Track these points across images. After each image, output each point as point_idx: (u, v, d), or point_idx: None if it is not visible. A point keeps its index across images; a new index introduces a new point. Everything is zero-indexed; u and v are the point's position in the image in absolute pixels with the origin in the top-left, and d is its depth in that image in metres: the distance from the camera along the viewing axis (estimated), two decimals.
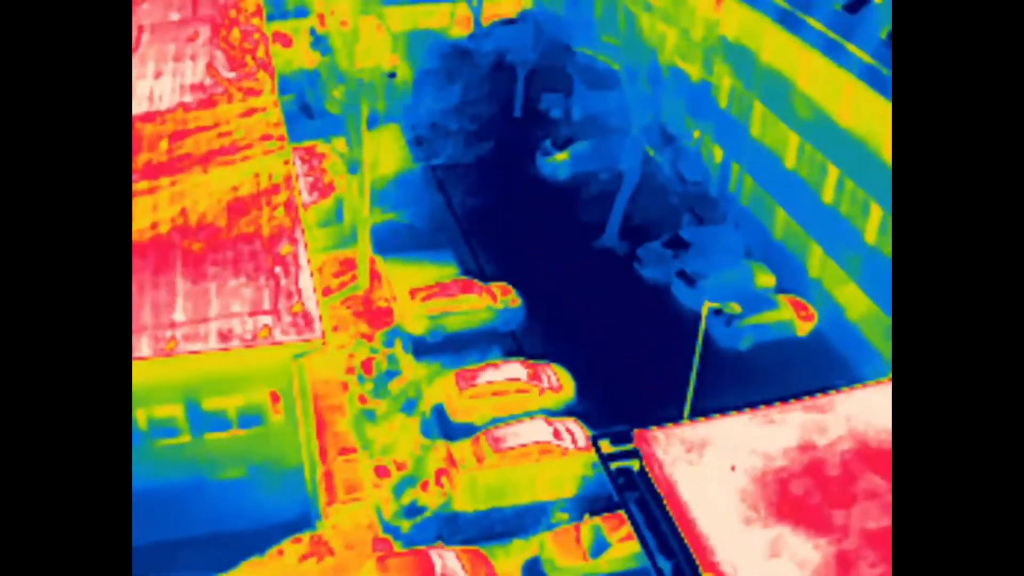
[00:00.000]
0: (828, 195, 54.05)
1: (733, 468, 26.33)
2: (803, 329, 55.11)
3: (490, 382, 48.78)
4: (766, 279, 57.75)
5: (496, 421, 48.04)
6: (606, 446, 28.33)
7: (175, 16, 62.74)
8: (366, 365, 50.89)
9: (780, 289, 57.93)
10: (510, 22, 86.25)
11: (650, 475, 26.68)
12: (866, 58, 49.27)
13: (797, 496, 25.44)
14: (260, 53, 57.84)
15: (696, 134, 66.25)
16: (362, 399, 49.32)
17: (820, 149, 54.36)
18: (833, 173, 53.48)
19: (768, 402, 28.85)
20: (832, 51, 51.65)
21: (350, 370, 51.07)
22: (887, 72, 47.34)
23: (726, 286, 55.79)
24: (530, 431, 45.92)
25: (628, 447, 27.95)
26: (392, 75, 59.60)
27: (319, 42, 57.28)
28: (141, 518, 36.70)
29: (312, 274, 41.46)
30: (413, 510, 44.28)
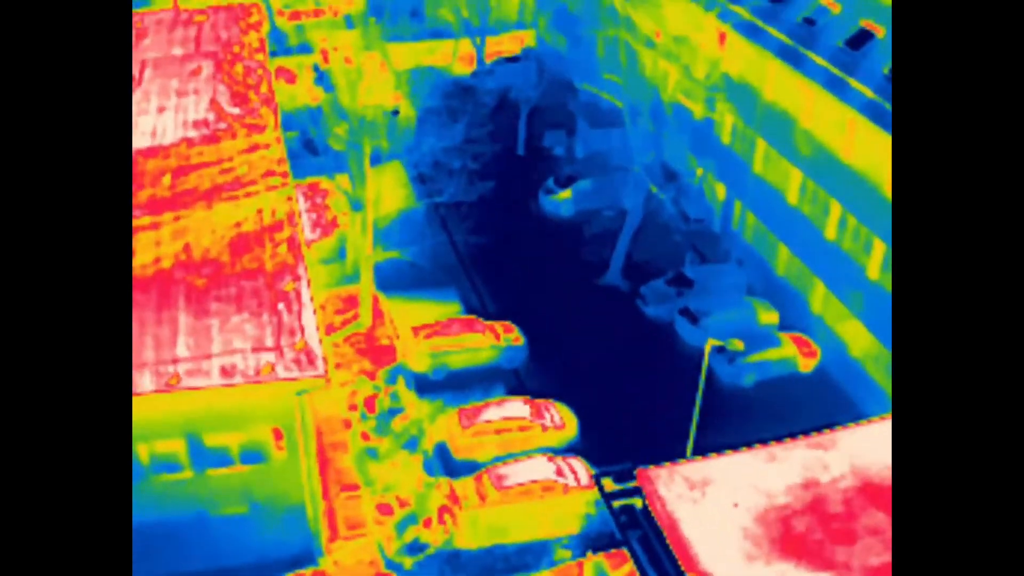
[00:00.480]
0: (831, 231, 54.07)
1: (736, 505, 26.28)
2: (806, 366, 55.05)
3: (493, 420, 48.72)
4: (769, 316, 57.69)
5: (499, 459, 47.96)
6: (609, 484, 28.33)
7: (178, 51, 62.99)
8: (369, 402, 50.83)
9: (783, 326, 57.88)
10: (513, 60, 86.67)
11: (653, 513, 26.62)
12: (869, 93, 49.37)
13: (800, 533, 25.37)
14: (263, 89, 58.01)
15: (699, 171, 66.36)
16: (365, 436, 49.22)
17: (823, 186, 54.40)
18: (836, 209, 53.50)
19: (771, 439, 28.81)
20: (835, 87, 51.75)
21: (353, 407, 50.99)
22: (890, 107, 47.42)
23: (729, 324, 55.78)
24: (533, 469, 45.83)
25: (631, 485, 27.93)
26: (395, 112, 59.70)
27: (322, 79, 57.39)
28: (143, 553, 36.61)
29: (315, 311, 41.48)
30: (416, 547, 44.14)
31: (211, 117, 54.71)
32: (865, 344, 52.48)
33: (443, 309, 59.02)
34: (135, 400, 36.48)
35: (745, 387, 53.83)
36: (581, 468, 46.47)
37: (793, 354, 54.76)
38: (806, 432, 29.04)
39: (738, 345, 45.59)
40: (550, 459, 46.71)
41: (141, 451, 38.81)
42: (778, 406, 51.73)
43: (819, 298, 56.32)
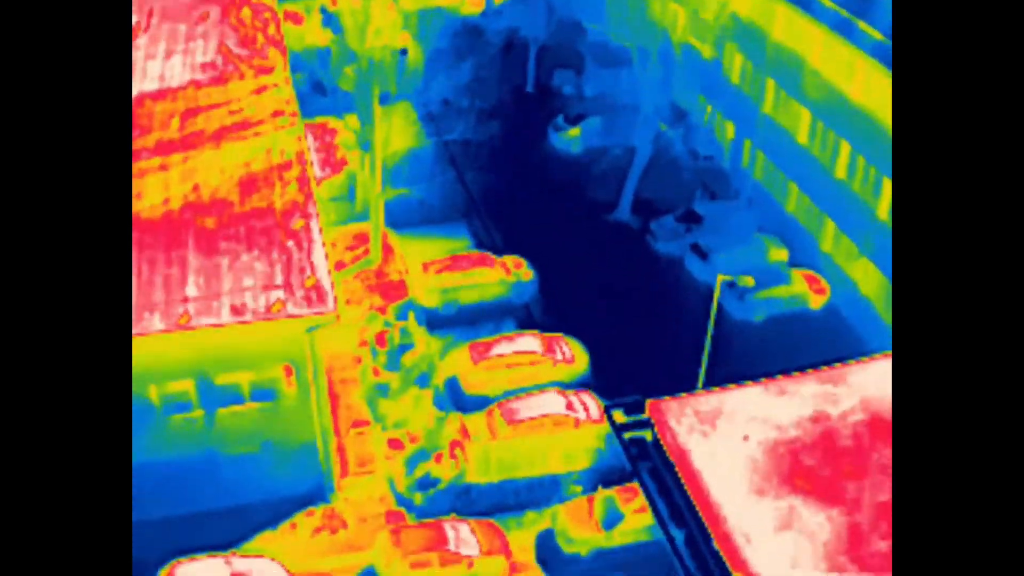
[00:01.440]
0: (840, 171, 53.99)
1: (746, 438, 26.38)
2: (816, 302, 55.12)
3: (504, 354, 48.87)
4: (779, 253, 57.71)
5: (510, 393, 48.14)
6: (619, 416, 28.42)
7: None
8: (379, 338, 50.94)
9: (793, 263, 57.90)
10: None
11: (663, 445, 26.74)
12: (877, 35, 49.17)
13: (809, 467, 25.47)
14: (271, 31, 57.82)
15: (708, 109, 66.18)
16: (375, 372, 49.38)
17: (832, 126, 54.26)
18: (845, 150, 53.39)
19: (781, 374, 28.87)
20: (843, 29, 51.55)
21: (363, 344, 51.13)
22: None
23: (739, 260, 55.78)
24: (544, 403, 46.02)
25: (641, 417, 28.02)
26: (403, 53, 59.48)
27: (330, 20, 57.09)
28: (154, 493, 36.98)
29: (325, 248, 41.51)
30: (426, 482, 44.37)
31: (219, 60, 54.59)
32: (875, 282, 52.50)
33: (453, 245, 59.11)
34: (145, 341, 36.68)
35: (755, 323, 53.94)
36: (592, 402, 46.64)
37: (803, 291, 54.83)
38: (816, 368, 29.09)
39: (748, 281, 45.65)
40: (561, 393, 46.90)
41: (152, 392, 38.97)
42: (787, 342, 51.80)
43: (829, 237, 56.30)
